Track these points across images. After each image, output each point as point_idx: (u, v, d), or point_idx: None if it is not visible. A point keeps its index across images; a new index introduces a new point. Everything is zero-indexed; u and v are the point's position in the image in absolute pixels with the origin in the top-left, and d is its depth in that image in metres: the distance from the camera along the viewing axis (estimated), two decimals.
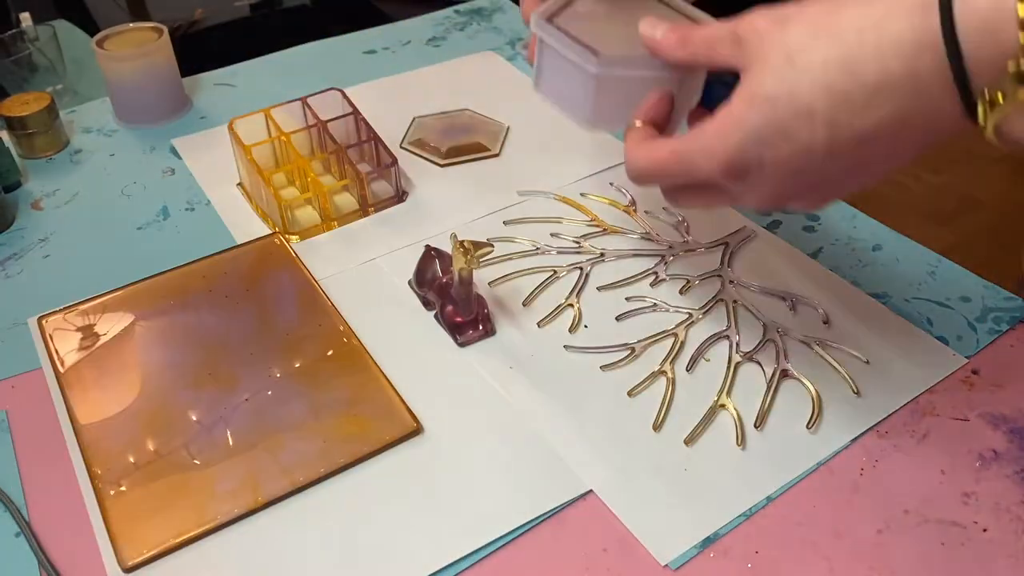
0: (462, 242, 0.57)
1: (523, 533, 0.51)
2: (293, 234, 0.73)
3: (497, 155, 0.81)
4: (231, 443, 0.56)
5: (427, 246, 0.66)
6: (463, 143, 0.82)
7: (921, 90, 0.36)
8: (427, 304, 0.66)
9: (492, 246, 0.58)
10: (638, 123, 0.49)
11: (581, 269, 0.69)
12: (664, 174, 0.46)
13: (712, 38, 0.44)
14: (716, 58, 0.44)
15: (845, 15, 0.38)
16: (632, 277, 0.68)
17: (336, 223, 0.74)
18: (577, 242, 0.71)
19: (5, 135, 0.84)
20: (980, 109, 0.35)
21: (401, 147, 0.74)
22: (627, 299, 0.66)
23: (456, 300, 0.62)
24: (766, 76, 0.40)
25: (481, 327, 0.63)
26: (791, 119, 0.40)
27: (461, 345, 0.62)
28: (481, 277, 0.68)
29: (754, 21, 0.42)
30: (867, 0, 0.38)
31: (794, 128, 0.40)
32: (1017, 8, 0.33)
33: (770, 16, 0.41)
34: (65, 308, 0.66)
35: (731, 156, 0.41)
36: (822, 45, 0.38)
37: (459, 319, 0.62)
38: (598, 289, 0.67)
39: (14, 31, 1.21)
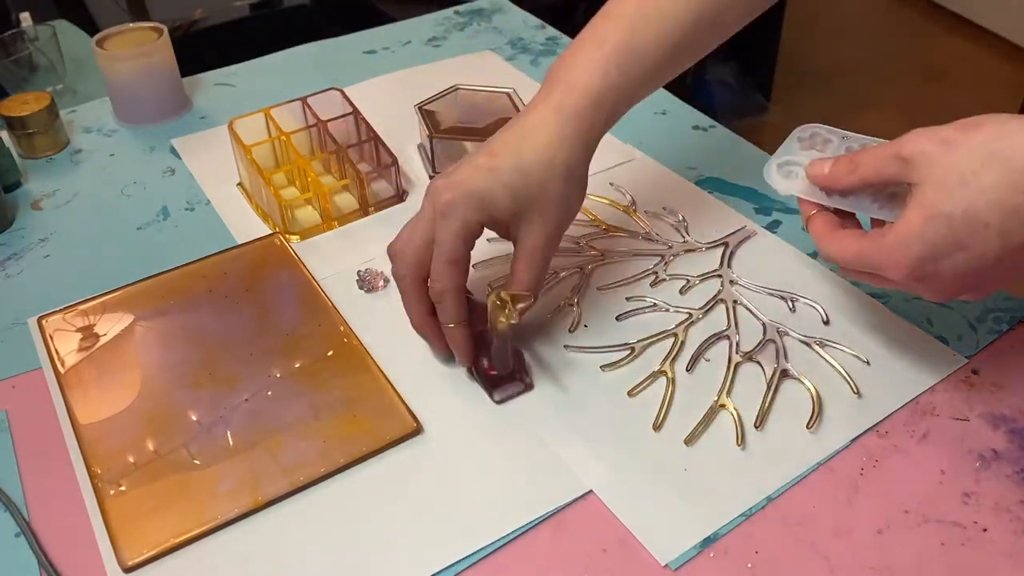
0: (499, 294, 0.53)
1: (523, 533, 0.51)
2: (293, 234, 0.73)
3: None
4: (231, 443, 0.56)
5: None
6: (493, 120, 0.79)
7: None
8: None
9: (532, 297, 0.55)
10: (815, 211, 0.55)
11: (581, 269, 0.69)
12: (850, 265, 0.52)
13: (878, 162, 0.50)
14: (884, 178, 0.50)
15: (1010, 142, 0.45)
16: (632, 277, 0.68)
17: (336, 223, 0.74)
18: (577, 242, 0.71)
19: (5, 135, 0.84)
20: None
21: (436, 134, 0.76)
22: (627, 299, 0.66)
23: (492, 353, 0.57)
24: (942, 196, 0.46)
25: (519, 380, 0.59)
26: (967, 234, 0.46)
27: (499, 402, 0.58)
28: (481, 278, 0.68)
29: (918, 143, 0.48)
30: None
31: (970, 241, 0.46)
32: None
33: (932, 138, 0.48)
34: (65, 308, 0.66)
35: (912, 266, 0.48)
36: (994, 169, 0.45)
37: (495, 373, 0.58)
38: (598, 289, 0.67)
39: (14, 31, 1.21)
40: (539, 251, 0.57)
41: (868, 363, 0.60)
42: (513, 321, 0.54)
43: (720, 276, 0.68)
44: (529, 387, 0.59)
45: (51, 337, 0.64)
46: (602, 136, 0.60)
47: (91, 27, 1.55)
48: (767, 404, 0.58)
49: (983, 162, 0.45)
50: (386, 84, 0.94)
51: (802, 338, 0.62)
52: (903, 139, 0.49)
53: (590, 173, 0.78)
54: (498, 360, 0.57)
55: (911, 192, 0.48)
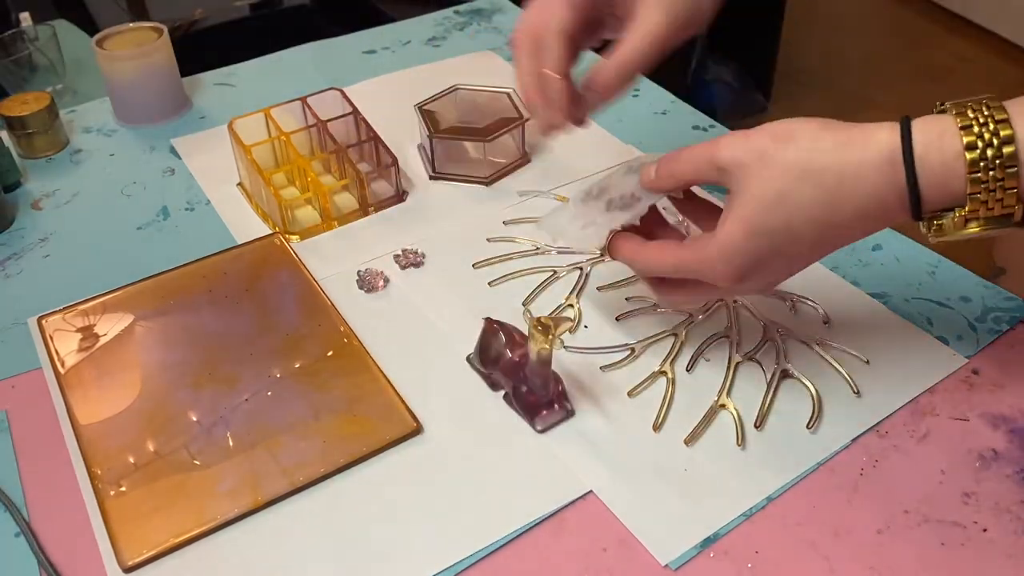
0: (539, 320, 0.51)
1: (523, 533, 0.51)
2: (293, 234, 0.73)
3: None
4: (231, 443, 0.56)
5: (487, 319, 0.58)
6: (496, 119, 0.80)
7: (886, 216, 0.47)
8: (494, 386, 0.59)
9: (573, 320, 0.54)
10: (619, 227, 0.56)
11: (581, 269, 0.69)
12: (668, 274, 0.54)
13: (695, 167, 0.52)
14: (701, 180, 0.53)
15: (821, 160, 0.47)
16: (632, 277, 0.68)
17: (336, 223, 0.74)
18: None
19: (5, 135, 0.84)
20: (925, 229, 0.48)
21: (437, 133, 0.76)
22: (627, 299, 0.66)
23: (530, 380, 0.55)
24: (762, 212, 0.48)
25: (557, 406, 0.57)
26: (785, 244, 0.49)
27: (541, 431, 0.56)
28: (481, 277, 0.68)
29: (733, 152, 0.49)
30: (839, 148, 0.47)
31: (787, 250, 0.49)
32: (967, 175, 0.44)
33: (747, 148, 0.49)
34: (65, 308, 0.66)
35: (736, 275, 0.50)
36: (807, 186, 0.47)
37: (534, 399, 0.56)
38: (598, 289, 0.67)
39: (14, 31, 1.21)
40: (658, 33, 0.56)
41: (868, 363, 0.60)
42: (556, 347, 0.52)
43: None
44: (570, 414, 0.57)
45: (51, 337, 0.64)
46: None
47: (91, 27, 1.55)
48: (767, 404, 0.58)
49: (798, 178, 0.47)
50: (386, 84, 0.94)
51: (802, 338, 0.62)
52: (718, 144, 0.50)
53: (589, 173, 0.79)
54: (538, 387, 0.55)
55: (729, 199, 0.50)
